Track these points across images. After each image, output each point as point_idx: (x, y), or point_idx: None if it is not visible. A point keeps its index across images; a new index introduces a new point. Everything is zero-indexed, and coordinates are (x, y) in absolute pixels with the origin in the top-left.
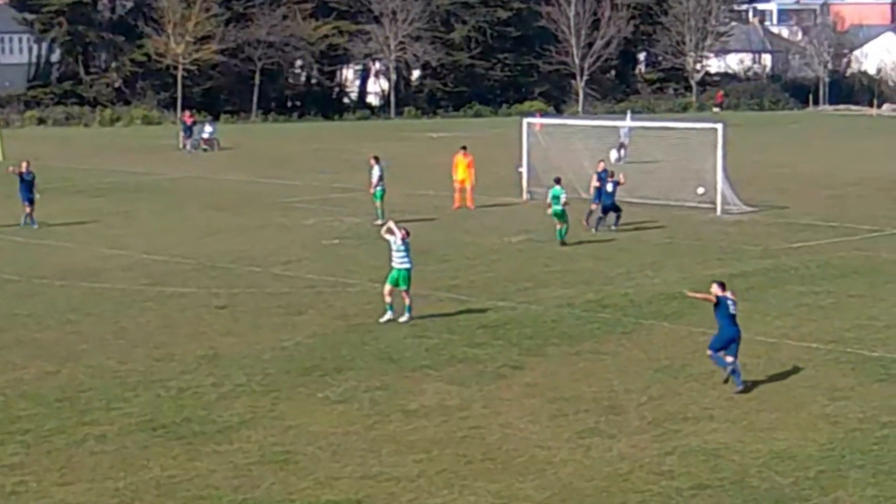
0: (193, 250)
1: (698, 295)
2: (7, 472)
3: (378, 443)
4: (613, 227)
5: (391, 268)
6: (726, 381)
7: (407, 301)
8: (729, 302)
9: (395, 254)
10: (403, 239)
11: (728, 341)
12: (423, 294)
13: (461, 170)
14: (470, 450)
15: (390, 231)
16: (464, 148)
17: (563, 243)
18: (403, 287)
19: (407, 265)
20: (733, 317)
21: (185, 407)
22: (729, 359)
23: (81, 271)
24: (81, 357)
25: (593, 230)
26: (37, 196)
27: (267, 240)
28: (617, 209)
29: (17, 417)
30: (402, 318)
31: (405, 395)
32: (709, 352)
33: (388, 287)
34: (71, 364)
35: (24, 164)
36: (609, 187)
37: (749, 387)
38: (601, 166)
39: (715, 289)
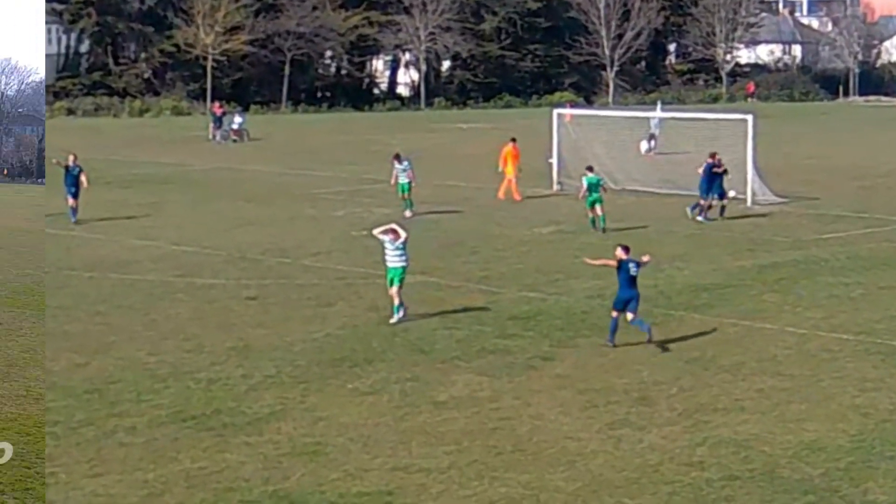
0: (223, 242)
1: (597, 262)
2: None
3: (408, 434)
4: (690, 214)
5: (387, 268)
6: (649, 340)
7: (397, 301)
8: (631, 265)
9: (391, 252)
10: (405, 241)
11: (624, 301)
12: (454, 286)
13: (510, 161)
14: (500, 441)
15: (394, 231)
16: (513, 140)
17: (604, 230)
18: (397, 284)
19: (405, 262)
20: (633, 279)
21: (215, 398)
22: (630, 316)
23: (111, 263)
24: (111, 349)
25: (715, 217)
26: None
27: (297, 231)
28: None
29: (47, 409)
30: (393, 320)
31: (435, 387)
32: (613, 313)
33: (394, 288)
34: (100, 356)
35: (71, 158)
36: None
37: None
38: (714, 158)
39: (619, 252)
